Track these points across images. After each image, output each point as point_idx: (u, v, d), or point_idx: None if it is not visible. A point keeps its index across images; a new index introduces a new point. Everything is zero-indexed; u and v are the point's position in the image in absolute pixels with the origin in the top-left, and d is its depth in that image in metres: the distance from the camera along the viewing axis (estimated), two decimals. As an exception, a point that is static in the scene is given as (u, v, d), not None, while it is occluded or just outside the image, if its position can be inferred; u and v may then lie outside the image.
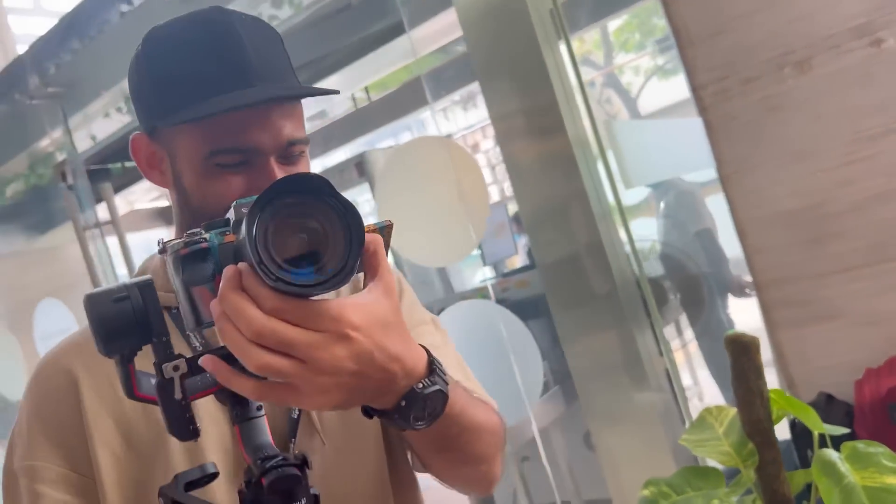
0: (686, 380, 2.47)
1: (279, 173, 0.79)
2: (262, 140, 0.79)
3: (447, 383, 0.67)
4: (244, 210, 0.56)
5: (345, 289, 0.87)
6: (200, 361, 0.61)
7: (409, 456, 0.98)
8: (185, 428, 0.64)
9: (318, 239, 0.55)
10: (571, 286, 1.55)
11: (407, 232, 1.70)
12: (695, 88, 1.92)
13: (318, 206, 0.54)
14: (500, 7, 1.59)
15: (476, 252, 3.36)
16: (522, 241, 3.61)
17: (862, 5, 1.85)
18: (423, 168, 1.69)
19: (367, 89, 4.68)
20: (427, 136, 1.65)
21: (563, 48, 1.52)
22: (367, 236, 0.57)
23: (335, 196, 0.55)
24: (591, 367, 1.77)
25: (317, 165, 4.67)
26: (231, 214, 0.62)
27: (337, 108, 4.95)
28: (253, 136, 0.79)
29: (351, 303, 0.58)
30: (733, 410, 1.12)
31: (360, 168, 2.98)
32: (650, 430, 1.70)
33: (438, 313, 2.07)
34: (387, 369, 0.60)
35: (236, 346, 0.55)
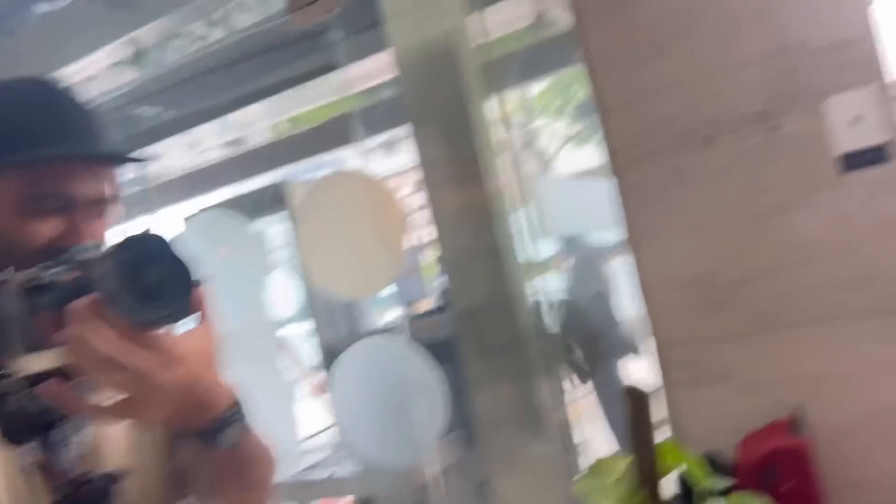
0: (583, 433, 2.54)
1: (87, 224, 0.89)
2: (83, 190, 0.88)
3: (245, 415, 0.83)
4: (85, 254, 0.77)
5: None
6: (41, 388, 0.73)
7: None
8: None
9: (161, 284, 0.69)
10: (481, 334, 1.58)
11: (326, 264, 1.69)
12: (609, 153, 2.03)
13: (163, 260, 0.70)
14: (437, 55, 1.63)
15: (386, 293, 3.36)
16: (437, 283, 3.64)
17: (763, 93, 2.02)
18: (345, 200, 1.69)
19: (290, 120, 4.65)
20: (351, 170, 1.66)
21: (491, 104, 1.58)
22: (197, 287, 0.73)
23: (175, 254, 0.70)
24: (494, 415, 1.78)
25: (232, 191, 4.57)
26: (71, 256, 0.78)
27: (257, 136, 4.89)
28: (74, 185, 0.88)
29: (181, 337, 0.74)
30: (627, 460, 1.16)
31: (275, 198, 2.96)
32: (545, 480, 1.72)
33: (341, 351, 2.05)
34: (206, 393, 0.75)
35: (90, 362, 0.67)
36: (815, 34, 1.98)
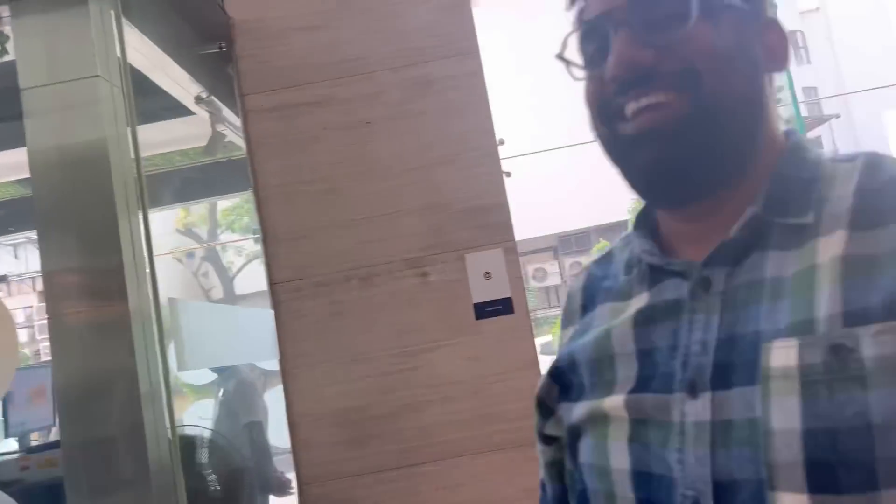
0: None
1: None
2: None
3: None
4: None
5: None
6: None
7: None
8: None
9: None
10: (99, 471, 1.38)
11: None
12: (271, 283, 2.03)
13: None
14: (79, 163, 1.51)
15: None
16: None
17: (416, 243, 2.24)
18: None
19: None
20: None
21: (139, 219, 1.49)
22: None
23: None
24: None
25: None
26: None
27: None
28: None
29: None
30: None
31: None
32: None
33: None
34: None
35: None
36: (460, 197, 2.27)
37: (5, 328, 1.39)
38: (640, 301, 0.68)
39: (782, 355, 0.54)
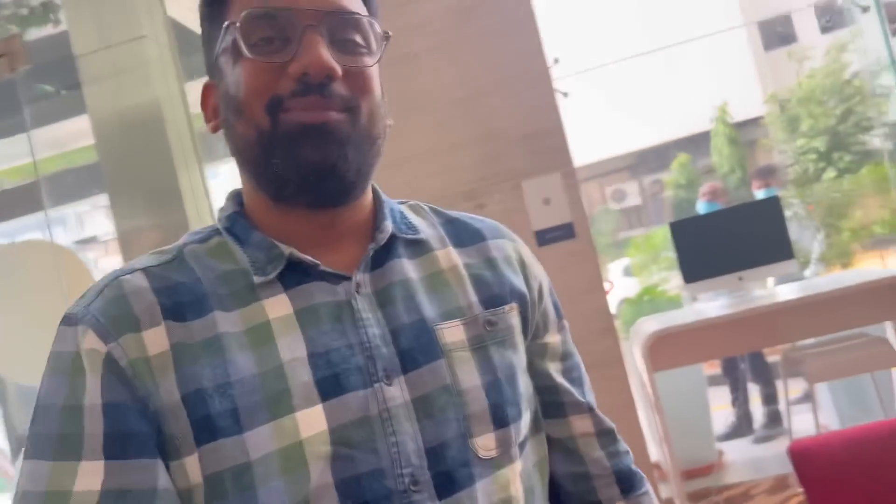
0: None
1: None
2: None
3: None
4: None
5: None
6: None
7: None
8: None
9: None
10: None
11: (7, 345, 1.49)
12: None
13: None
14: (137, 125, 1.57)
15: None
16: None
17: (471, 175, 2.23)
18: (30, 275, 1.53)
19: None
20: (37, 240, 1.48)
21: (198, 174, 1.55)
22: None
23: None
24: None
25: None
26: None
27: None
28: None
29: None
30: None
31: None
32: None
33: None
34: None
35: None
36: (512, 124, 2.23)
37: (84, 283, 1.50)
38: (280, 304, 0.65)
39: (453, 332, 0.69)
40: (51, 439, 0.58)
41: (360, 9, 0.68)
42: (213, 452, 0.59)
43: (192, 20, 2.03)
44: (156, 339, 0.61)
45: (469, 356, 0.68)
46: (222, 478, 0.59)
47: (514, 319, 0.73)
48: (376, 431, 0.62)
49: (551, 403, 0.78)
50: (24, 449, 0.60)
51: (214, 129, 0.71)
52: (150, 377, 0.59)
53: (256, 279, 0.65)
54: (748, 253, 2.50)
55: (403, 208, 0.79)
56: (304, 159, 0.63)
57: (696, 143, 13.41)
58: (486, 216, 0.85)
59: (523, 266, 0.78)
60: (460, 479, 0.64)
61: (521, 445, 0.70)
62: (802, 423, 2.56)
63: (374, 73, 0.68)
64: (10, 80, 1.54)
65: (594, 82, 10.62)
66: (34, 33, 2.01)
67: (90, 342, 0.60)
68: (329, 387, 0.62)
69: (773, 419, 3.53)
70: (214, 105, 0.70)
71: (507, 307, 0.72)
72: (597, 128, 13.07)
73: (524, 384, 0.72)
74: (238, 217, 0.70)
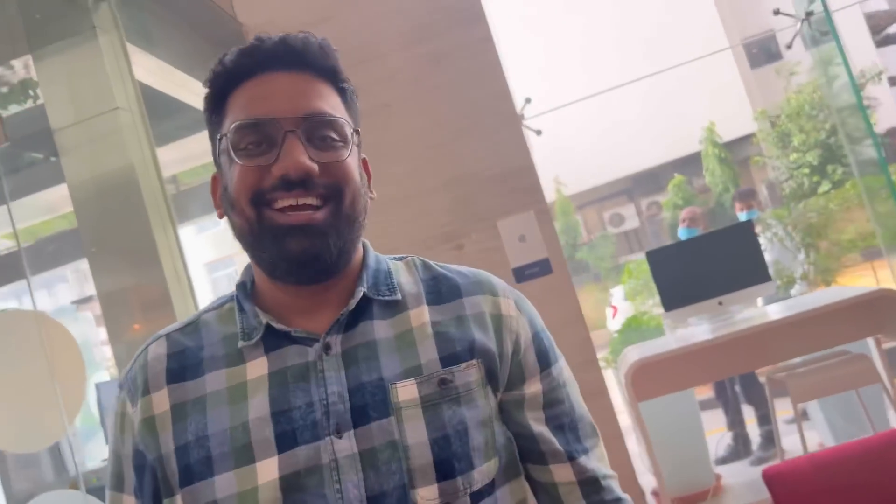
0: None
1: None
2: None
3: None
4: None
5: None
6: None
7: None
8: None
9: None
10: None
11: (-9, 414, 1.53)
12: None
13: None
14: (113, 190, 1.63)
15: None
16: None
17: (448, 217, 2.28)
18: (11, 342, 1.58)
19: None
20: (17, 309, 1.53)
21: (172, 235, 1.61)
22: None
23: None
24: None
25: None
26: None
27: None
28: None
29: None
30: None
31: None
32: None
33: None
34: None
35: None
36: (484, 166, 2.29)
37: (73, 355, 1.54)
38: (259, 366, 0.77)
39: (406, 391, 0.74)
40: (110, 475, 0.80)
41: (335, 108, 0.78)
42: (191, 493, 0.73)
43: (158, 83, 2.10)
44: (160, 401, 0.77)
45: (419, 413, 0.74)
46: None
47: (473, 376, 0.77)
48: (325, 479, 0.71)
49: (531, 451, 0.82)
50: None
51: (220, 216, 0.82)
52: (153, 433, 0.75)
53: (240, 344, 0.77)
54: (726, 277, 2.53)
55: (395, 266, 0.86)
56: (290, 252, 0.74)
57: (691, 164, 13.50)
58: (464, 256, 0.90)
59: (498, 320, 0.82)
60: None
61: (479, 494, 0.75)
62: (796, 443, 2.57)
63: (352, 162, 0.78)
64: (-10, 155, 1.61)
65: (584, 111, 10.73)
66: (14, 109, 2.09)
67: (125, 406, 0.79)
68: (286, 441, 0.72)
69: (769, 440, 3.52)
70: (219, 194, 0.82)
71: (464, 365, 0.77)
72: (591, 154, 13.18)
73: (482, 437, 0.76)
74: (242, 288, 0.83)
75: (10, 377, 1.56)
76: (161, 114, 2.16)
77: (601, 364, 2.81)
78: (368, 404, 0.73)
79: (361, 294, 0.79)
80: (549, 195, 11.65)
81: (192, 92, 2.29)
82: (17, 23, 1.68)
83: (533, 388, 0.82)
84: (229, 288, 0.87)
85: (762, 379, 3.37)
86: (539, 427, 0.82)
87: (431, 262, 0.88)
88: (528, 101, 3.18)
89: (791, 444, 2.99)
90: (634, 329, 3.38)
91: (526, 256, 2.26)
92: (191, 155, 2.86)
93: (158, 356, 0.79)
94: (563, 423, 0.83)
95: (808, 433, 2.81)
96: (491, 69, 2.34)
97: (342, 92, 0.81)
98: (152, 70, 2.01)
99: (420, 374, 0.75)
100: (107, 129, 1.71)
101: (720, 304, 2.51)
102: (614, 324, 6.78)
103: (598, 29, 12.94)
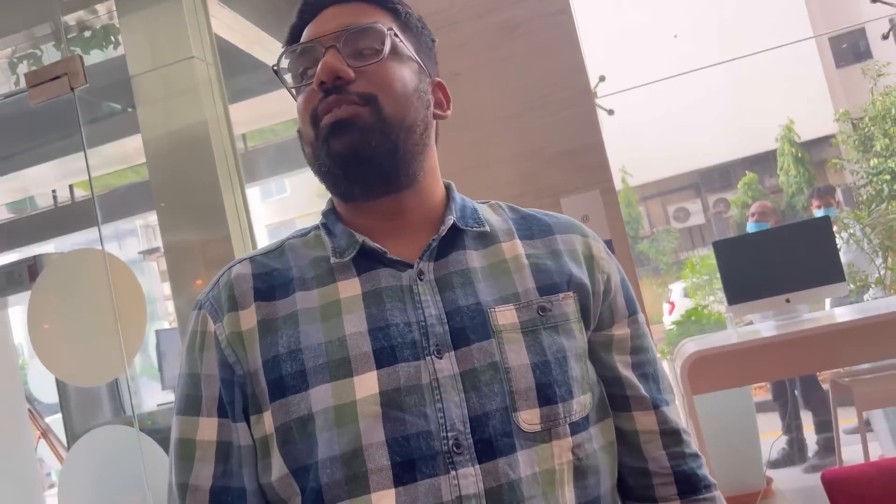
0: None
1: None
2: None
3: None
4: None
5: None
6: None
7: None
8: None
9: None
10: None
11: (55, 346, 1.58)
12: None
13: None
14: (186, 145, 1.66)
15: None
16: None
17: (511, 191, 2.24)
18: (79, 280, 1.62)
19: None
20: (87, 248, 1.58)
21: (240, 193, 1.62)
22: None
23: None
24: None
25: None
26: None
27: (41, 200, 4.55)
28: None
29: None
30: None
31: (32, 271, 2.74)
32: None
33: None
34: None
35: None
36: (552, 141, 2.24)
37: (136, 297, 1.58)
38: (351, 285, 0.76)
39: (505, 316, 0.74)
40: (180, 399, 0.77)
41: (375, 18, 0.80)
42: (283, 407, 0.71)
43: (236, 38, 2.12)
44: (248, 318, 0.76)
45: (519, 337, 0.73)
46: (290, 426, 0.71)
47: (570, 307, 0.77)
48: (426, 398, 0.70)
49: (616, 396, 0.81)
50: None
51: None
52: (241, 348, 0.74)
53: (333, 261, 0.77)
54: (797, 274, 2.42)
55: (479, 205, 0.87)
56: (335, 152, 0.74)
57: (764, 162, 13.03)
58: (505, 203, 0.89)
59: (590, 259, 0.82)
60: (500, 447, 0.70)
61: (577, 425, 0.73)
62: (855, 453, 2.46)
63: (393, 67, 0.78)
64: (70, 99, 1.65)
65: (656, 97, 10.44)
66: (98, 55, 2.14)
67: (206, 325, 0.77)
68: (384, 357, 0.71)
69: (827, 448, 3.39)
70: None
71: (561, 295, 0.76)
72: (660, 145, 12.85)
73: (579, 369, 0.75)
74: (330, 214, 0.83)
75: (76, 312, 1.62)
76: (235, 70, 2.18)
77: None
78: (468, 327, 0.73)
79: (451, 222, 0.79)
80: (615, 184, 11.44)
81: (267, 49, 2.31)
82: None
83: (621, 330, 0.82)
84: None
85: (825, 385, 3.25)
86: (626, 371, 0.81)
87: (516, 206, 0.89)
88: (602, 78, 3.10)
89: (850, 454, 2.87)
90: (693, 322, 3.29)
91: (588, 236, 2.21)
92: (261, 115, 2.90)
93: (244, 275, 0.79)
94: (647, 371, 0.83)
95: (869, 444, 2.69)
96: (566, 42, 2.28)
97: (394, 13, 0.82)
98: (230, 24, 2.03)
99: (518, 301, 0.75)
100: (182, 80, 1.73)
101: (788, 301, 2.41)
102: (670, 319, 6.64)
103: (679, 12, 12.53)
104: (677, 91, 9.81)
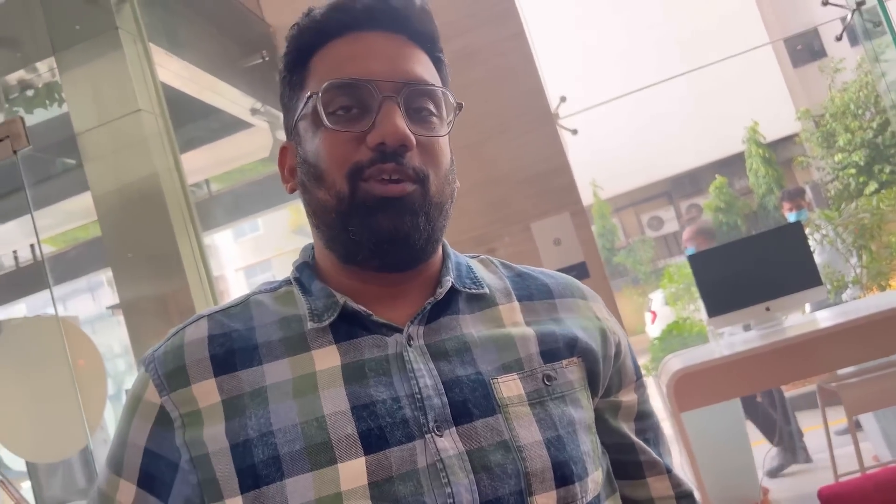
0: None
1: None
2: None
3: None
4: None
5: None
6: None
7: None
8: None
9: None
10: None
11: (11, 421, 1.50)
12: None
13: None
14: (137, 199, 1.60)
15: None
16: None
17: (479, 220, 2.21)
18: (35, 348, 1.55)
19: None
20: (41, 315, 1.51)
21: (195, 241, 1.57)
22: None
23: None
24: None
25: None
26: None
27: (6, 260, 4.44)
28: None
29: None
30: None
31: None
32: None
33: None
34: None
35: None
36: (517, 166, 2.21)
37: (95, 363, 1.51)
38: (328, 355, 0.66)
39: (510, 387, 0.67)
40: (110, 453, 0.71)
41: (434, 79, 0.71)
42: (255, 499, 0.61)
43: (186, 85, 2.08)
44: (206, 393, 0.66)
45: (528, 411, 0.66)
46: None
47: (575, 374, 0.70)
48: (424, 485, 0.61)
49: (628, 463, 0.76)
50: None
51: (291, 191, 0.74)
52: (197, 428, 0.64)
53: (310, 325, 0.67)
54: (774, 282, 2.41)
55: (472, 262, 0.79)
56: (380, 228, 0.65)
57: (733, 165, 13.19)
58: (496, 259, 0.83)
59: (596, 323, 0.76)
60: None
61: None
62: (848, 458, 2.43)
63: (445, 142, 0.71)
64: (13, 161, 1.58)
65: (621, 111, 10.57)
66: (41, 114, 2.08)
67: (149, 394, 0.68)
68: (372, 440, 0.62)
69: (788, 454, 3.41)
70: (291, 166, 0.73)
71: (565, 361, 0.70)
72: (628, 156, 12.97)
73: (590, 442, 0.69)
74: (306, 268, 0.74)
75: (33, 383, 1.54)
76: (188, 117, 2.13)
77: (641, 372, 2.69)
78: (469, 399, 0.65)
79: (450, 284, 0.71)
80: (586, 198, 11.49)
81: (220, 95, 2.26)
82: (41, 25, 1.66)
83: (629, 396, 0.77)
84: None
85: (791, 393, 3.22)
86: (635, 437, 0.77)
87: (508, 262, 0.82)
88: (563, 99, 3.09)
89: (843, 459, 2.84)
90: (676, 335, 3.26)
91: (562, 260, 2.17)
92: (222, 159, 2.85)
93: (198, 340, 0.68)
94: (650, 436, 0.78)
95: (861, 444, 2.66)
96: (524, 66, 2.27)
97: (437, 63, 0.73)
98: (177, 72, 1.98)
99: (521, 369, 0.68)
100: (130, 134, 1.68)
101: (767, 309, 2.39)
102: (653, 329, 6.62)
103: (635, 27, 12.74)
104: (641, 103, 9.90)
